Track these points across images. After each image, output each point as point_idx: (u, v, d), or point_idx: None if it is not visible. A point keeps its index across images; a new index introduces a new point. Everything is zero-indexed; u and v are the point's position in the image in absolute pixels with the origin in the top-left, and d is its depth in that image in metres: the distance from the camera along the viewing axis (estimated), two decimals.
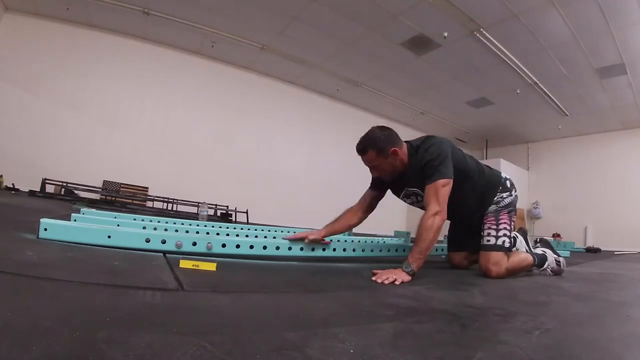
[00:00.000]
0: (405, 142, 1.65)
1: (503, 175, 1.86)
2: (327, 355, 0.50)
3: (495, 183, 1.79)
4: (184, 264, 1.12)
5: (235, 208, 5.87)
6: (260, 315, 0.73)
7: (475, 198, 1.75)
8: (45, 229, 1.22)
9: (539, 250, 1.92)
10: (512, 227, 1.76)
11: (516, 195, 1.84)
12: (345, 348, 0.54)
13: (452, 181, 1.51)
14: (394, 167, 1.61)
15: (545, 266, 1.85)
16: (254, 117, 7.21)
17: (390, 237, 3.32)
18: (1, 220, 1.88)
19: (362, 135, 1.59)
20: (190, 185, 6.29)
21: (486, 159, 9.69)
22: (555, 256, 1.90)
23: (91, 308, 0.61)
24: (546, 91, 6.40)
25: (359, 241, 2.49)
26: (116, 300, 0.69)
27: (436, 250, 2.18)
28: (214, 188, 6.36)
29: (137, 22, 5.67)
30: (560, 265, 1.89)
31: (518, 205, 1.98)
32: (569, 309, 1.09)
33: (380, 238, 3.32)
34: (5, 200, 3.25)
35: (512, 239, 1.75)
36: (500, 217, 1.75)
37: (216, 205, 5.81)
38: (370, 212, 1.77)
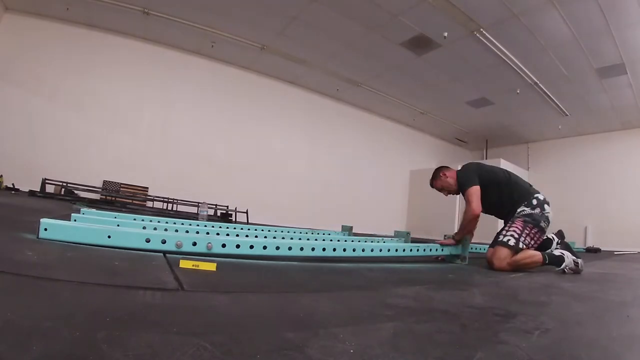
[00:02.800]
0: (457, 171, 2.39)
1: (537, 195, 2.23)
2: (327, 355, 0.50)
3: (521, 199, 2.22)
4: (184, 264, 1.12)
5: (235, 208, 5.87)
6: (260, 315, 0.72)
7: (506, 203, 2.25)
8: (45, 229, 1.22)
9: (557, 252, 2.14)
10: (527, 233, 2.08)
11: (542, 214, 2.15)
12: (345, 348, 0.54)
13: (477, 187, 2.16)
14: (449, 184, 2.35)
15: (562, 267, 2.06)
16: (254, 117, 7.20)
17: (390, 237, 3.32)
18: (1, 220, 1.88)
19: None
20: (190, 185, 6.28)
21: (486, 159, 9.68)
22: (574, 258, 2.10)
23: (91, 308, 0.61)
24: (546, 91, 6.40)
25: (359, 241, 2.49)
26: (116, 300, 0.69)
27: (435, 250, 2.19)
28: (214, 188, 6.35)
29: (137, 22, 5.66)
30: (578, 266, 2.08)
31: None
32: (569, 309, 1.09)
33: (380, 238, 3.32)
34: (5, 200, 3.25)
35: (517, 239, 2.04)
36: (515, 223, 2.13)
37: (216, 205, 5.81)
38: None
